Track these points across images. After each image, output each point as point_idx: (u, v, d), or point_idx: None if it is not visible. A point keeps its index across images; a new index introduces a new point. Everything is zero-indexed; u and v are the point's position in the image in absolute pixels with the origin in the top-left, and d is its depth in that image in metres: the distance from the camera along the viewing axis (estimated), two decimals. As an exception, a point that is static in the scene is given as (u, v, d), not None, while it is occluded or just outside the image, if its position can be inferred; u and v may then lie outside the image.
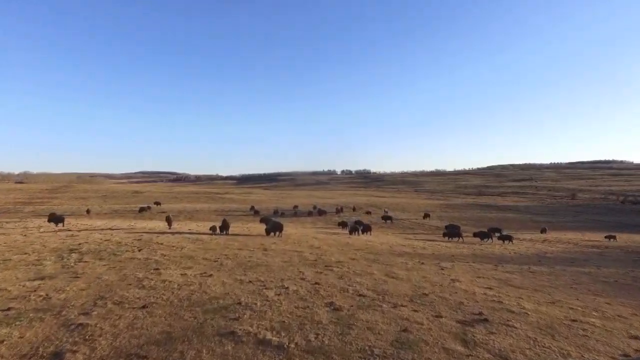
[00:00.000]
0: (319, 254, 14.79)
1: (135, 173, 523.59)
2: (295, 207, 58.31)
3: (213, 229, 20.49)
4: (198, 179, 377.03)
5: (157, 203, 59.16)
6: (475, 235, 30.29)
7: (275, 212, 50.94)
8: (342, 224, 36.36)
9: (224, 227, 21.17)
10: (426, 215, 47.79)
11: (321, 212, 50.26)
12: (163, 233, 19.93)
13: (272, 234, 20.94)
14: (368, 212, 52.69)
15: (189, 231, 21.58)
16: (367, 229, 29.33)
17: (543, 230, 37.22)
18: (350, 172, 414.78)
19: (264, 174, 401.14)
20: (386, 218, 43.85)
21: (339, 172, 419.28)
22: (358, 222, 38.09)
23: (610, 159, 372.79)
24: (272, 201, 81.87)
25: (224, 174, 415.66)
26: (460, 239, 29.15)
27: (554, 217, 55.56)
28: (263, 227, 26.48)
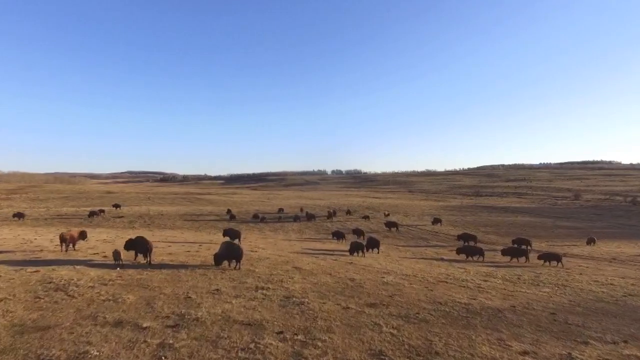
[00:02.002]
0: (302, 332, 6.51)
1: (122, 173, 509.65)
2: (280, 210, 49.89)
3: (116, 255, 11.92)
4: (185, 179, 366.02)
5: (116, 206, 49.96)
6: (505, 253, 22.52)
7: (255, 217, 42.44)
8: (337, 235, 28.15)
9: (141, 249, 12.62)
10: (436, 221, 39.90)
11: (310, 217, 41.95)
12: (36, 263, 11.38)
13: (226, 263, 12.53)
14: (366, 217, 44.62)
15: (82, 259, 12.99)
16: (373, 244, 21.14)
17: (590, 242, 29.67)
18: (340, 172, 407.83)
19: (253, 174, 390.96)
20: (391, 225, 35.74)
21: (329, 172, 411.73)
22: (358, 232, 29.97)
23: (598, 159, 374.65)
24: (256, 203, 73.38)
25: (213, 174, 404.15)
26: (480, 257, 21.42)
27: (578, 221, 48.42)
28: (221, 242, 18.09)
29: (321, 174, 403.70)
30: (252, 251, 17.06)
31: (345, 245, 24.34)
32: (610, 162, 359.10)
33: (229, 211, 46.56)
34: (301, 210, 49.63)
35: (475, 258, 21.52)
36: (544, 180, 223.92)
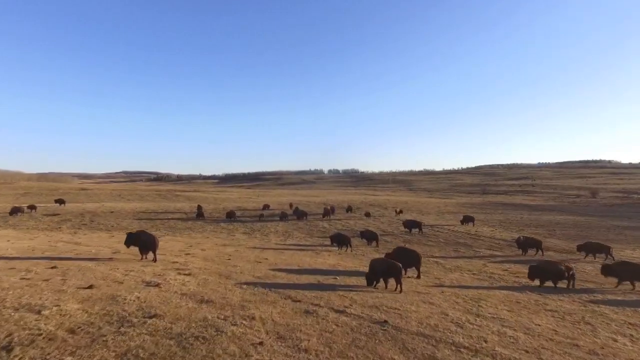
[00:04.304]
0: None
1: (117, 173, 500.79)
2: (265, 206, 40.20)
3: None
4: (179, 179, 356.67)
5: (60, 202, 40.12)
6: (609, 272, 12.78)
7: (229, 216, 32.67)
8: (338, 240, 18.50)
9: None
10: (468, 220, 30.29)
11: (301, 215, 32.27)
12: None
13: None
14: (367, 214, 35.11)
15: None
16: (409, 260, 11.41)
17: None
18: (337, 172, 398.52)
19: (248, 173, 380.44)
20: (412, 225, 25.98)
21: (325, 172, 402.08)
22: (369, 235, 20.41)
23: (598, 158, 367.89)
24: (242, 200, 63.63)
25: (208, 173, 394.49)
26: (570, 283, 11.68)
27: (627, 220, 39.22)
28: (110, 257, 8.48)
29: (318, 173, 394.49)
30: (149, 282, 7.43)
31: (352, 259, 14.75)
32: (610, 162, 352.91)
33: (199, 208, 36.87)
34: (290, 206, 39.96)
35: (561, 285, 11.82)
36: (547, 178, 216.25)
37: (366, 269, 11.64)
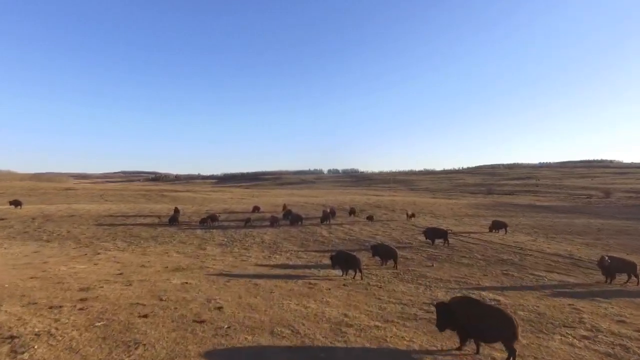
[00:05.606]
0: None
1: (115, 173, 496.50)
2: (256, 209, 34.70)
3: None
4: (177, 179, 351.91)
5: (15, 203, 34.62)
6: None
7: (204, 222, 27.16)
8: (341, 262, 13.10)
9: None
10: (498, 226, 24.81)
11: (294, 220, 26.84)
12: None
13: None
14: (370, 218, 29.72)
15: None
16: (494, 327, 5.77)
17: None
18: (337, 171, 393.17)
19: (247, 173, 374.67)
20: (435, 235, 20.30)
21: (325, 172, 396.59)
22: (383, 252, 14.99)
23: (599, 158, 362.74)
24: (235, 200, 58.18)
25: (207, 173, 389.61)
26: None
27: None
28: None
29: (317, 173, 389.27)
30: None
31: (366, 298, 9.42)
32: (612, 162, 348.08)
33: (175, 210, 31.42)
34: (283, 208, 34.41)
35: None
36: (551, 178, 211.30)
37: (401, 327, 6.23)
